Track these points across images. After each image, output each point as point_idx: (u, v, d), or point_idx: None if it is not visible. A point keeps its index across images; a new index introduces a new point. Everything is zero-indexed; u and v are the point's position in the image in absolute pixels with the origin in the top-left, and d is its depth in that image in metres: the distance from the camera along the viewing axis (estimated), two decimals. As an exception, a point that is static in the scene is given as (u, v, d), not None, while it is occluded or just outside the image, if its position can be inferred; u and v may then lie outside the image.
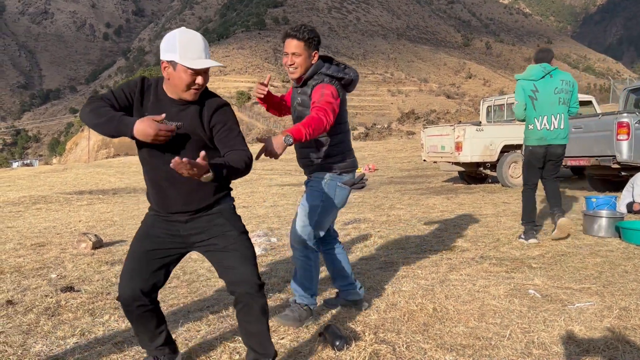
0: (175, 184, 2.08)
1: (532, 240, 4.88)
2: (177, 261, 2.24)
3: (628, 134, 7.62)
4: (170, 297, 3.53)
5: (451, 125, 11.10)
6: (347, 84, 2.86)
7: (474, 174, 11.67)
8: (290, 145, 2.40)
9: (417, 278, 3.78)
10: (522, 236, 4.99)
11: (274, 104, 3.10)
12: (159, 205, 2.17)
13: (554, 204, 5.02)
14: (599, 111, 10.55)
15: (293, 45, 2.74)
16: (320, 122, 2.53)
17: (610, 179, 8.82)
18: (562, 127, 4.88)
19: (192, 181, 1.96)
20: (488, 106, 12.14)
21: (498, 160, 10.56)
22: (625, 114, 7.80)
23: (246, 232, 2.19)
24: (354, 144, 36.08)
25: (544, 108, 4.89)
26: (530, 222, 4.98)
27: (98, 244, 5.40)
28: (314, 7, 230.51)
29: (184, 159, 1.68)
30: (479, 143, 10.44)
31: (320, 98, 2.66)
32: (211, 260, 2.16)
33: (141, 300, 2.11)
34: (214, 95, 2.15)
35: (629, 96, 9.57)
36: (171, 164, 1.69)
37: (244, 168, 2.00)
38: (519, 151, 10.55)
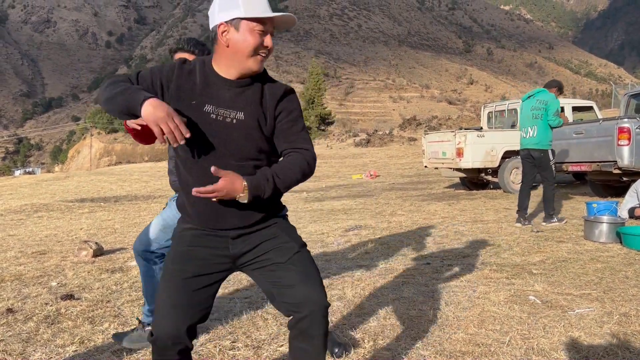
0: None
1: (517, 224, 6.17)
2: (220, 285, 1.81)
3: (629, 139, 7.62)
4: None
5: (452, 132, 11.11)
6: None
7: (475, 180, 11.67)
8: None
9: (417, 284, 3.78)
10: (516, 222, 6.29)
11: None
12: (204, 221, 1.72)
13: (544, 208, 6.27)
14: (600, 116, 10.55)
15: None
16: None
17: (612, 184, 8.81)
18: (534, 135, 6.23)
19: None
20: (489, 112, 12.16)
21: (499, 166, 10.56)
22: (626, 119, 7.80)
23: (306, 245, 1.82)
24: (356, 150, 36.05)
25: (524, 121, 6.39)
26: (522, 209, 6.25)
27: (99, 252, 5.41)
28: (315, 15, 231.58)
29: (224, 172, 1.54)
30: (480, 149, 10.45)
31: None
32: (263, 280, 1.75)
33: (183, 342, 1.64)
34: (273, 79, 1.78)
35: (630, 101, 9.58)
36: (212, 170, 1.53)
37: (301, 176, 1.67)
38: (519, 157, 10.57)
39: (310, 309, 1.65)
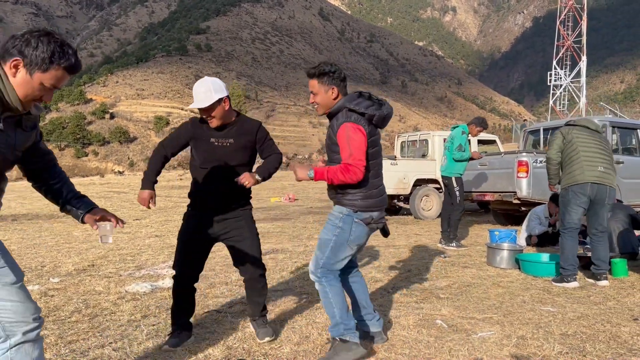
0: None
1: (439, 245, 6.98)
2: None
3: (527, 172, 8.24)
4: (69, 333, 3.30)
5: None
6: (376, 121, 2.79)
7: (388, 206, 12.05)
8: (311, 179, 2.68)
9: (330, 309, 3.79)
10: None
11: None
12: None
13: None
14: (502, 150, 11.33)
15: (310, 83, 2.86)
16: (343, 178, 2.66)
17: (512, 213, 9.44)
18: (444, 164, 7.11)
19: None
20: (402, 141, 12.67)
21: (411, 193, 11.00)
22: (524, 154, 8.44)
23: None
24: (275, 173, 36.00)
25: (443, 151, 7.25)
26: (443, 231, 6.97)
27: (-10, 276, 4.93)
28: (238, 37, 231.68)
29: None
30: (394, 176, 10.84)
31: (347, 146, 2.66)
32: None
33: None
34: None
35: (528, 137, 10.39)
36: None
37: None
38: (430, 185, 11.10)
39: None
